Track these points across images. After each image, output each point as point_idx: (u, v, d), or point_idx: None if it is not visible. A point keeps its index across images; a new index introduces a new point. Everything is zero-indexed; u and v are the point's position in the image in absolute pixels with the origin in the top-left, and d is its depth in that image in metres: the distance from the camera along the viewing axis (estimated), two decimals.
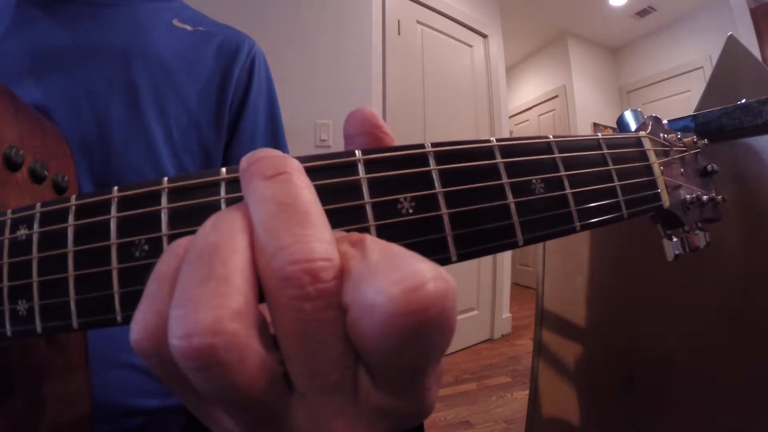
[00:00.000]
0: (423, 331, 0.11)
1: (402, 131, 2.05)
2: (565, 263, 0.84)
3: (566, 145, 0.20)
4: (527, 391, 0.91)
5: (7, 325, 0.18)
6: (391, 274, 0.11)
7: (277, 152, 0.14)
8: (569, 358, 0.80)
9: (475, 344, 2.35)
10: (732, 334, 0.53)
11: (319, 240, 0.12)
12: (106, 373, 0.34)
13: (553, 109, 3.84)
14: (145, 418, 0.37)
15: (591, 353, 0.76)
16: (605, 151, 0.22)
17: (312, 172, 0.15)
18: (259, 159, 0.14)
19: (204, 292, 0.11)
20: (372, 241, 0.13)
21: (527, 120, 4.21)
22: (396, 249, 0.12)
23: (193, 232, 0.15)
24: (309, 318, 0.11)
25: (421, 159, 0.17)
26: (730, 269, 0.54)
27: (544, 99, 3.94)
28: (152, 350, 0.12)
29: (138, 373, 0.37)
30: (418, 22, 2.23)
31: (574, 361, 0.78)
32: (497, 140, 0.18)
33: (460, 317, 2.24)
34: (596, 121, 3.70)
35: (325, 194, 0.14)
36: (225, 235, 0.12)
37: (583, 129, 3.61)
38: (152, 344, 0.12)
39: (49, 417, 0.27)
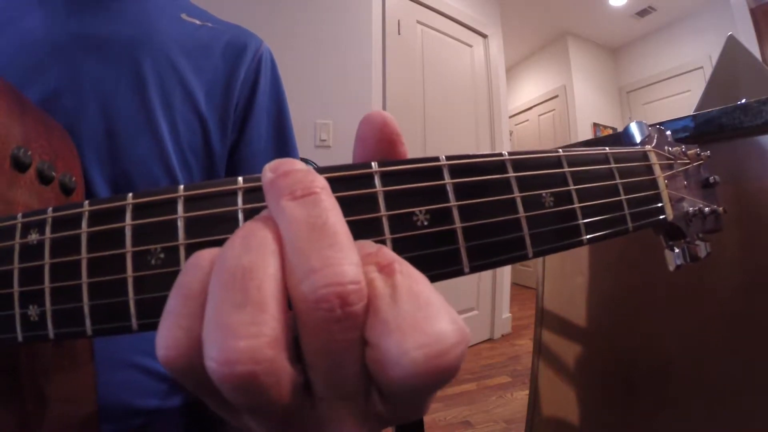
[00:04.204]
0: (437, 383, 0.12)
1: (402, 131, 2.01)
2: (564, 263, 0.85)
3: (576, 159, 0.21)
4: (527, 391, 0.92)
5: (18, 330, 0.17)
6: (417, 335, 0.11)
7: (303, 166, 0.15)
8: (569, 358, 0.80)
9: (475, 344, 2.35)
10: (732, 334, 0.54)
11: (349, 263, 0.12)
12: (112, 373, 0.34)
13: (553, 109, 3.84)
14: (148, 418, 0.37)
15: (591, 353, 0.76)
16: (613, 165, 0.22)
17: (329, 183, 0.15)
18: (286, 174, 0.14)
19: (241, 319, 0.11)
20: (401, 277, 0.13)
21: (527, 120, 4.21)
22: (425, 296, 0.13)
23: (210, 242, 0.15)
24: (335, 338, 0.12)
25: (436, 172, 0.17)
26: (730, 270, 0.54)
27: (544, 99, 3.94)
28: (185, 368, 0.12)
29: (143, 373, 0.37)
30: (418, 22, 2.23)
31: (574, 361, 0.79)
32: (509, 154, 0.19)
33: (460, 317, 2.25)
34: (596, 121, 3.70)
35: (342, 206, 0.14)
36: (257, 257, 0.12)
37: (583, 129, 3.61)
38: (185, 363, 0.12)
39: (56, 417, 0.27)
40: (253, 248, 0.13)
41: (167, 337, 0.12)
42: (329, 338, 0.12)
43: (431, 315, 0.12)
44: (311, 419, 0.13)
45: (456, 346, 0.12)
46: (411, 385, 0.11)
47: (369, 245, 0.14)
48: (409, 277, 0.13)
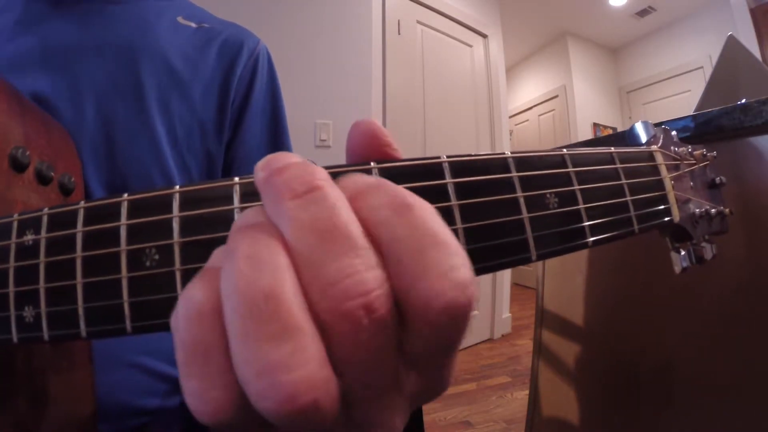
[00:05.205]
0: (464, 318, 0.12)
1: (402, 131, 2.05)
2: (564, 263, 0.85)
3: (580, 159, 0.20)
4: (527, 391, 0.92)
5: (13, 332, 0.17)
6: (445, 279, 0.11)
7: (298, 159, 0.13)
8: (569, 358, 0.80)
9: (475, 344, 2.35)
10: (733, 334, 0.53)
11: (367, 267, 0.11)
12: (111, 372, 0.34)
13: (553, 109, 3.84)
14: (147, 418, 0.37)
15: (591, 353, 0.76)
16: (618, 165, 0.22)
17: None
18: (281, 170, 0.13)
19: (284, 350, 0.10)
20: (416, 213, 0.13)
21: (527, 120, 4.21)
22: (442, 234, 0.13)
23: (206, 242, 0.15)
24: (365, 345, 0.11)
25: (437, 171, 0.17)
26: (730, 269, 0.54)
27: (544, 99, 3.95)
28: (235, 420, 0.11)
29: (143, 372, 0.37)
30: (418, 22, 2.23)
31: (574, 361, 0.79)
32: (512, 153, 0.18)
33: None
34: (596, 121, 3.70)
35: None
36: (274, 277, 0.11)
37: (583, 129, 3.61)
38: (235, 416, 0.11)
39: (53, 417, 0.26)
40: (264, 267, 0.11)
41: (208, 402, 0.11)
42: (357, 346, 0.11)
43: (450, 252, 0.12)
44: (350, 424, 0.13)
45: (471, 283, 0.12)
46: (447, 314, 0.11)
47: (365, 180, 0.13)
48: (422, 209, 0.13)
